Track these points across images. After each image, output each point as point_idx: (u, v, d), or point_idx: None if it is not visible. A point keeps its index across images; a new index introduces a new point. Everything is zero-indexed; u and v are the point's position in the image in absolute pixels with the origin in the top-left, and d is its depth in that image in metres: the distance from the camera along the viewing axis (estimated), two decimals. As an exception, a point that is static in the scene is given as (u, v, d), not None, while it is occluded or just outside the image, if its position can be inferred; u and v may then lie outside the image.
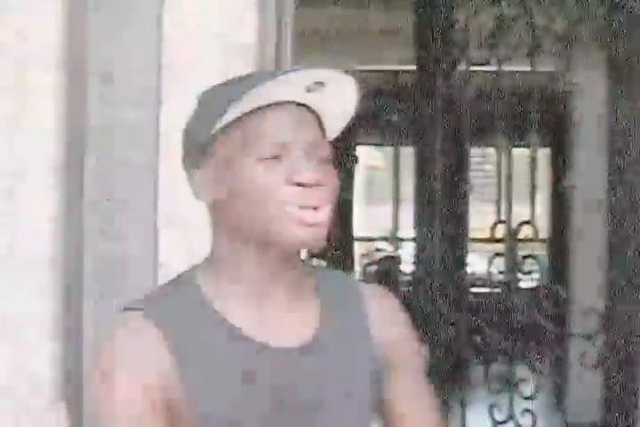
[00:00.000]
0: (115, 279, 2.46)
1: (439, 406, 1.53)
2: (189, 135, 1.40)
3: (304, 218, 1.31)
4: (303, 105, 1.37)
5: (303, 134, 1.34)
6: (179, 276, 1.42)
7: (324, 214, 1.32)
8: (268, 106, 1.34)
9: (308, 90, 1.35)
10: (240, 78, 1.38)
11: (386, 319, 1.47)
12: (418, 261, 4.70)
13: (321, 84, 1.35)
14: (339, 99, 1.38)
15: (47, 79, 2.33)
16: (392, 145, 10.32)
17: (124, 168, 2.47)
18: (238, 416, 1.33)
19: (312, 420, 1.37)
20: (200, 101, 1.40)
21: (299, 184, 1.31)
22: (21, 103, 2.33)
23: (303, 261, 1.44)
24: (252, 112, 1.34)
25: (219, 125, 1.35)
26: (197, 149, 1.38)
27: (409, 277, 8.29)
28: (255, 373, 1.35)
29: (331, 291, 1.44)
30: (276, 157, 1.32)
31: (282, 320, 1.38)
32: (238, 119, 1.34)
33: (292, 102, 1.36)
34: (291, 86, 1.33)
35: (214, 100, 1.37)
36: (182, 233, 2.39)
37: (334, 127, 1.43)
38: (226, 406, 1.34)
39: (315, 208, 1.31)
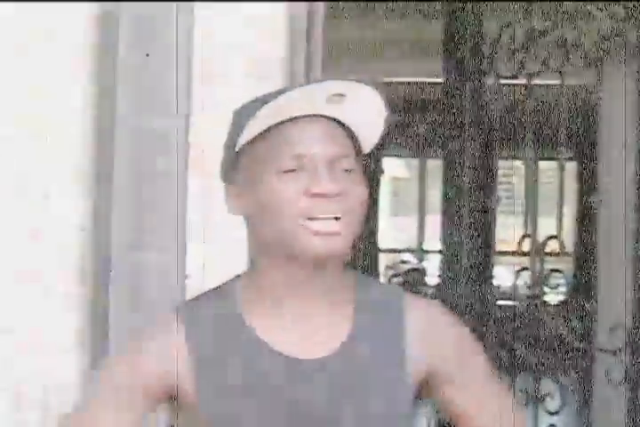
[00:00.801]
0: (141, 289, 2.46)
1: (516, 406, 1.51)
2: (223, 151, 1.42)
3: (319, 228, 1.31)
4: (329, 118, 1.37)
5: (324, 146, 1.34)
6: (222, 284, 1.44)
7: (342, 224, 1.32)
8: (289, 120, 1.35)
9: (328, 101, 1.35)
10: (268, 95, 1.38)
11: (429, 333, 1.45)
12: (443, 273, 4.69)
13: (340, 95, 1.34)
14: (365, 108, 1.38)
15: (76, 88, 2.34)
16: (418, 157, 10.31)
17: (152, 178, 2.48)
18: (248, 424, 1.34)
19: None
20: (232, 119, 1.41)
21: (316, 195, 1.31)
22: (49, 112, 2.34)
23: (350, 271, 1.45)
24: (272, 127, 1.35)
25: (240, 143, 1.36)
26: (228, 164, 1.40)
27: (434, 290, 8.26)
28: (271, 383, 1.35)
29: (370, 302, 1.44)
30: (294, 170, 1.33)
31: (310, 332, 1.39)
32: (260, 135, 1.35)
33: (315, 115, 1.36)
34: (308, 99, 1.33)
35: (238, 117, 1.39)
36: (210, 243, 2.39)
37: (369, 137, 1.42)
38: (236, 413, 1.35)
39: (334, 219, 1.31)
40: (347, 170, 1.35)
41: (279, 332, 1.37)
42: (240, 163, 1.39)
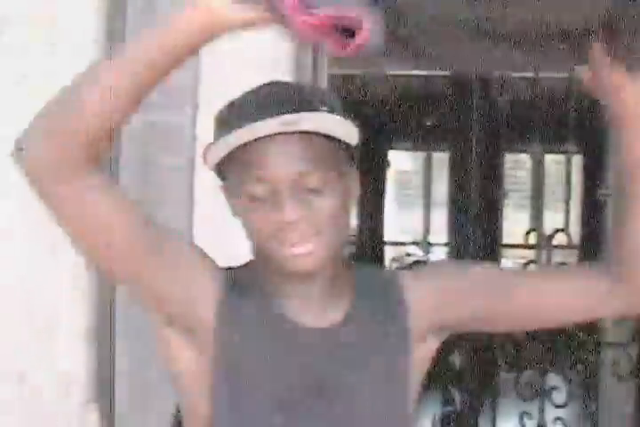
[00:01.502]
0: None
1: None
2: None
3: (289, 250, 1.34)
4: (288, 134, 1.33)
5: (283, 167, 1.33)
6: (248, 260, 1.47)
7: (313, 243, 1.34)
8: (246, 144, 1.33)
9: (282, 124, 1.32)
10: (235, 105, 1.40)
11: (424, 282, 1.46)
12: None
13: (294, 122, 1.32)
14: (325, 121, 1.35)
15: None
16: (425, 150, 10.31)
17: (159, 175, 2.48)
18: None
19: (332, 401, 1.39)
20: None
21: (280, 222, 1.32)
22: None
23: (348, 261, 1.48)
24: (233, 151, 1.34)
25: (211, 163, 1.36)
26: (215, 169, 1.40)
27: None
28: (281, 345, 1.40)
29: (367, 284, 1.47)
30: (260, 196, 1.33)
31: (314, 308, 1.42)
32: (225, 157, 1.35)
33: (272, 135, 1.32)
34: (260, 129, 1.31)
35: (213, 133, 1.40)
36: (217, 240, 2.39)
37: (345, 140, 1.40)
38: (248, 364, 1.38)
39: (303, 240, 1.34)
40: (312, 188, 1.34)
41: (289, 306, 1.41)
42: (222, 172, 1.40)
